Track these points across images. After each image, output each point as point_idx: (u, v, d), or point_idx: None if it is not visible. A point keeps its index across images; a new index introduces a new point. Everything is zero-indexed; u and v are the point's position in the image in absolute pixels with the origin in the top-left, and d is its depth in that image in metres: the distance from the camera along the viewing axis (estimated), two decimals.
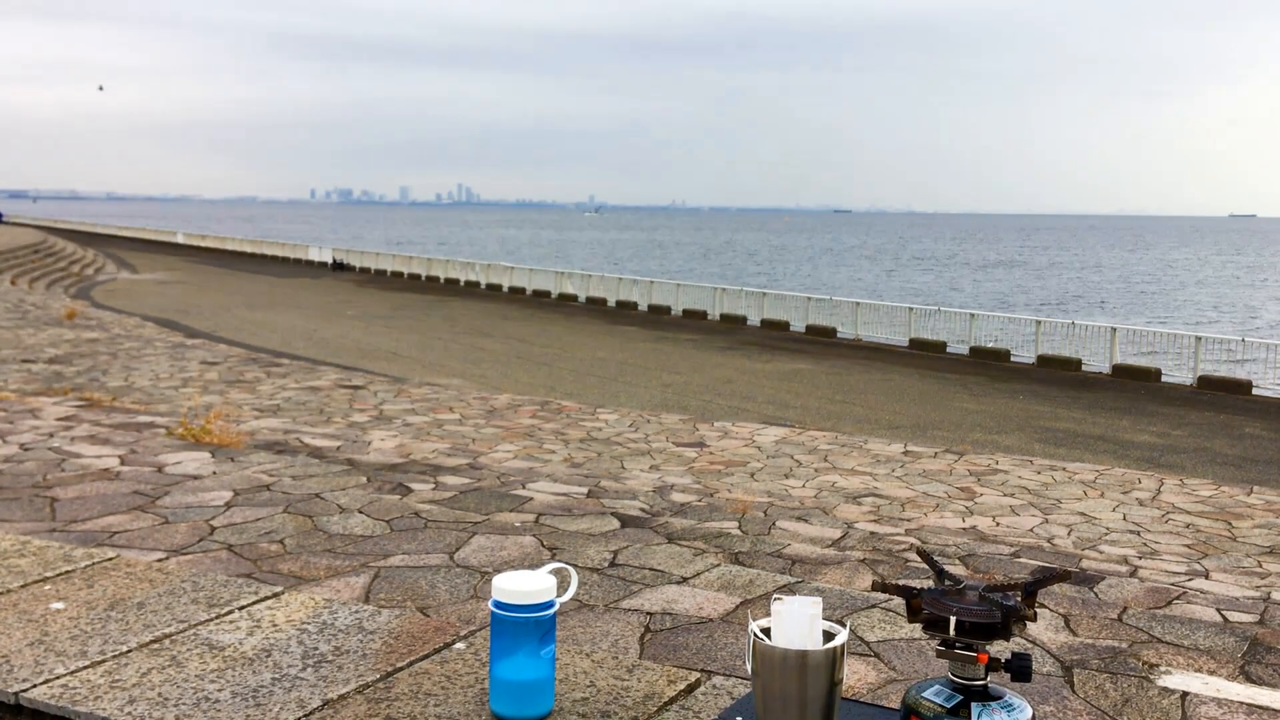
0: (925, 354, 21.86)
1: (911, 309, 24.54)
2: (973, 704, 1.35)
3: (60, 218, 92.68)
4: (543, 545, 3.85)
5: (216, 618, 2.19)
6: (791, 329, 25.62)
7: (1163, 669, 2.81)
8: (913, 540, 5.32)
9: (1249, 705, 2.54)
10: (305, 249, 50.31)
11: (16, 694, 1.84)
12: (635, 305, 30.22)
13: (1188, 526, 7.35)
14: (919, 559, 4.15)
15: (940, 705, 1.36)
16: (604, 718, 1.77)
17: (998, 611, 1.35)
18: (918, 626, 1.41)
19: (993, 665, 1.35)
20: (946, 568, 1.47)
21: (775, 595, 1.48)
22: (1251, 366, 18.48)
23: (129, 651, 2.00)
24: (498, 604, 1.70)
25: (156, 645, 2.04)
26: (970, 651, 1.36)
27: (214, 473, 4.81)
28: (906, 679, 2.65)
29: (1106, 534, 6.86)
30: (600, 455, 8.80)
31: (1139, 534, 6.93)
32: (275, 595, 2.33)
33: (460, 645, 2.07)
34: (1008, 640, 1.36)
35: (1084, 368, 19.38)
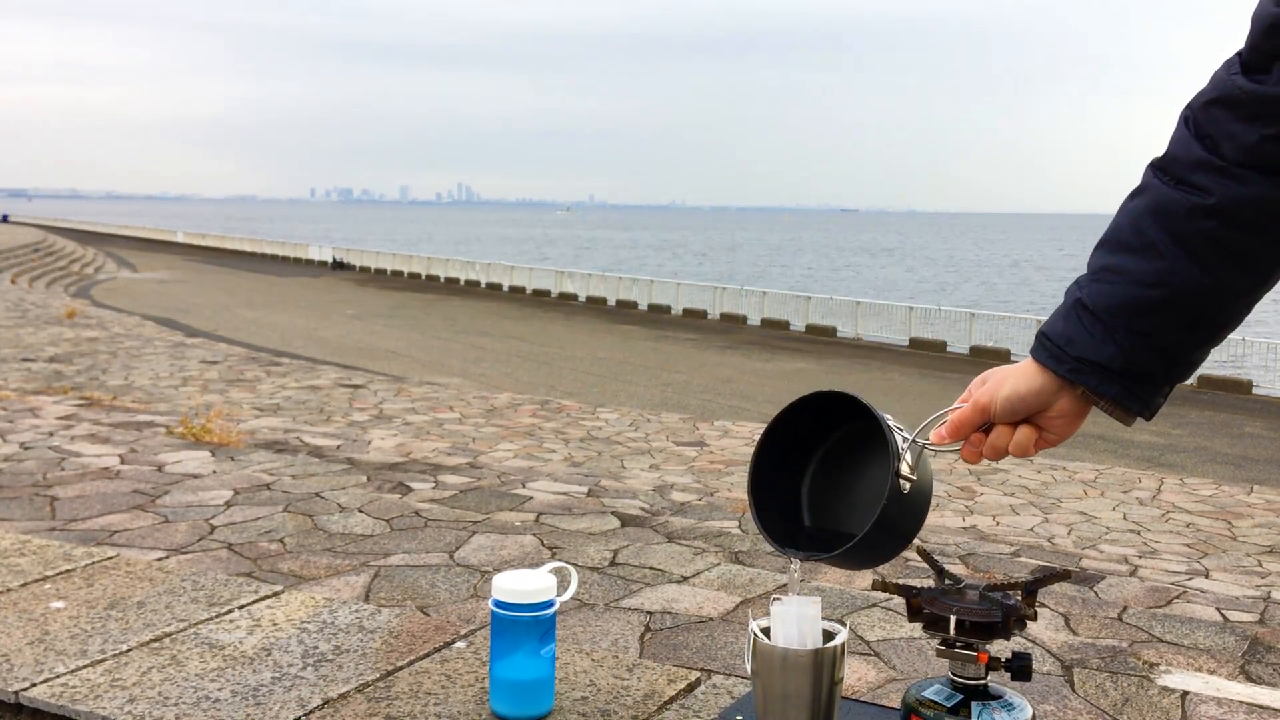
0: (925, 353, 21.87)
1: (911, 308, 24.55)
2: (973, 703, 1.35)
3: (60, 217, 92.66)
4: (543, 544, 3.85)
5: (216, 617, 2.19)
6: (791, 328, 25.63)
7: (1163, 668, 2.81)
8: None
9: (1249, 705, 2.54)
10: (305, 248, 50.29)
11: (16, 693, 1.84)
12: (635, 304, 30.22)
13: (1188, 526, 7.35)
14: (919, 558, 4.16)
15: (940, 704, 1.36)
16: (604, 717, 1.77)
17: (998, 611, 1.35)
18: (918, 626, 1.41)
19: (993, 664, 1.35)
20: (946, 567, 1.47)
21: (775, 595, 1.48)
22: (1252, 366, 18.48)
23: (129, 650, 2.00)
24: (498, 603, 1.70)
25: (156, 644, 2.04)
26: (970, 651, 1.36)
27: (214, 472, 4.81)
28: (906, 678, 2.66)
29: (1106, 533, 6.87)
30: (600, 454, 8.80)
31: (1139, 533, 6.94)
32: (275, 594, 2.33)
33: (460, 644, 2.07)
34: (1008, 639, 1.36)
35: None
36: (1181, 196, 1.08)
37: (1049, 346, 1.16)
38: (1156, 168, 1.13)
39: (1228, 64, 1.08)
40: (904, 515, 1.31)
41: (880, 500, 1.26)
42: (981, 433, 1.23)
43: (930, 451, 1.28)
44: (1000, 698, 1.36)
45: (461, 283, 37.35)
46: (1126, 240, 1.12)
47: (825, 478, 1.44)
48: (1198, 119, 1.09)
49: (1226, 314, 1.11)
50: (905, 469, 1.27)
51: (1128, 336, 1.11)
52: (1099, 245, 1.16)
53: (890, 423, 1.28)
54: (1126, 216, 1.13)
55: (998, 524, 6.93)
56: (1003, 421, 1.20)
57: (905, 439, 1.28)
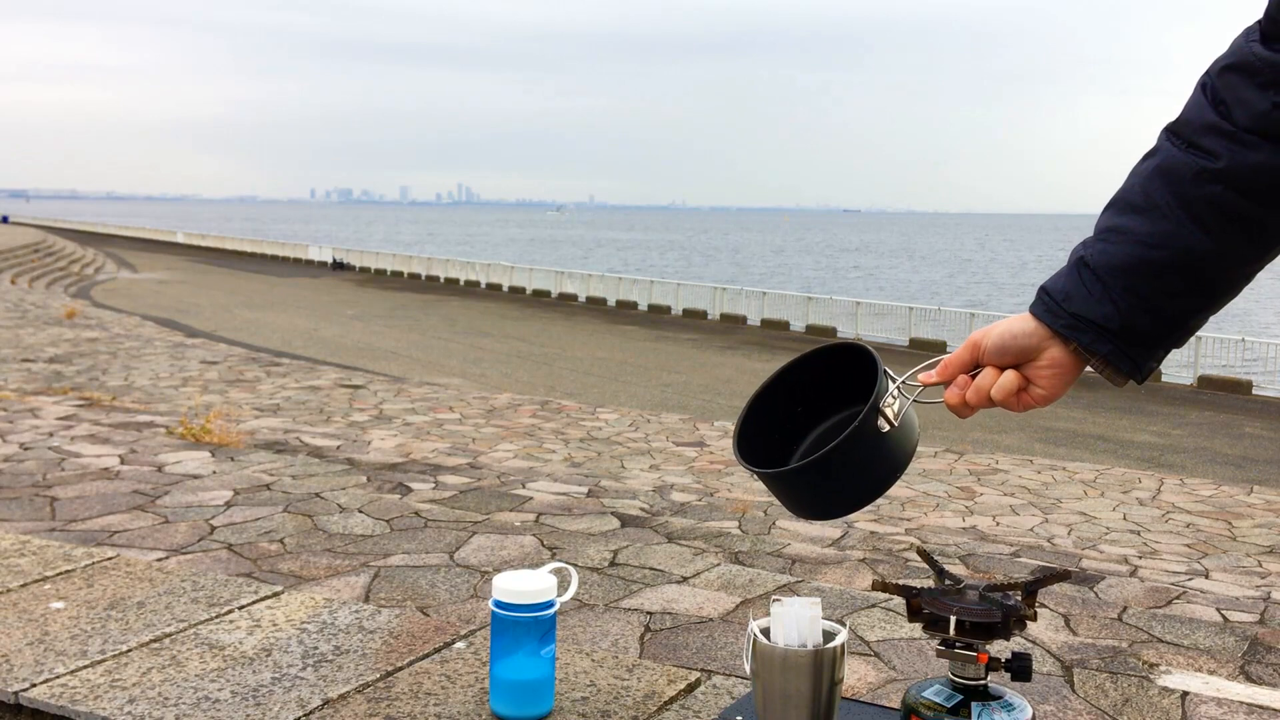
0: (925, 354, 21.86)
1: (911, 309, 24.54)
2: (973, 704, 1.35)
3: (60, 217, 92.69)
4: (543, 545, 3.85)
5: (216, 617, 2.19)
6: (791, 328, 25.62)
7: (1163, 669, 2.81)
8: (913, 540, 5.32)
9: (1249, 705, 2.54)
10: (305, 248, 50.30)
11: (16, 693, 1.84)
12: (635, 305, 30.21)
13: (1188, 526, 7.35)
14: (919, 559, 4.16)
15: (940, 705, 1.36)
16: (604, 717, 1.77)
17: (998, 611, 1.35)
18: (918, 626, 1.41)
19: (993, 665, 1.35)
20: (946, 567, 1.47)
21: (775, 596, 1.48)
22: (1251, 366, 18.47)
23: (129, 651, 2.00)
24: (498, 603, 1.70)
25: (156, 645, 2.04)
26: (970, 651, 1.36)
27: (214, 472, 4.81)
28: (906, 679, 2.66)
29: (1106, 533, 6.87)
30: (600, 455, 8.80)
31: (1139, 533, 6.93)
32: (275, 595, 2.33)
33: (460, 645, 2.07)
34: (1008, 640, 1.36)
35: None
36: (1190, 159, 1.09)
37: (1046, 301, 1.16)
38: (1170, 131, 1.13)
39: (1247, 31, 1.09)
40: (871, 458, 1.27)
41: (852, 423, 1.22)
42: (969, 376, 1.22)
43: (913, 394, 1.26)
44: (1000, 698, 1.36)
45: (461, 283, 37.34)
46: (1133, 201, 1.13)
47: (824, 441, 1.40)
48: (1214, 84, 1.10)
49: (1226, 281, 1.11)
50: (890, 413, 1.24)
51: (1125, 297, 1.11)
52: (1108, 206, 1.16)
53: (887, 370, 1.28)
54: (1136, 178, 1.14)
55: (998, 524, 6.93)
56: (990, 362, 1.20)
57: (895, 382, 1.28)
